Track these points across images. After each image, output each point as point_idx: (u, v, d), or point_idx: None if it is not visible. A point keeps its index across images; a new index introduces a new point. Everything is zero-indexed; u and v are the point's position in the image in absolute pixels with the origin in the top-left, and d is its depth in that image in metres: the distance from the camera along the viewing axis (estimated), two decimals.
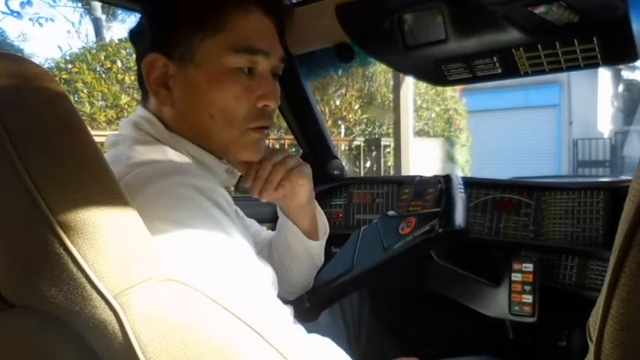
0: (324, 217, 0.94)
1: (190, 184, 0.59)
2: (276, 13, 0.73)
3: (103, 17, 9.11)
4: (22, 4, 8.31)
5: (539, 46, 0.97)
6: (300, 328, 0.63)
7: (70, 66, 4.38)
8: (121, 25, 9.57)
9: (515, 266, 1.02)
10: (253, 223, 0.97)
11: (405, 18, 1.03)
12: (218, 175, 0.73)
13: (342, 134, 5.67)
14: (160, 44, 0.69)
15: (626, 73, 12.29)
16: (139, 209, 0.48)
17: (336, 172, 1.55)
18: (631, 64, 8.59)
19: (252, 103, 0.71)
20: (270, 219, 1.48)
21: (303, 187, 0.84)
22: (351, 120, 5.70)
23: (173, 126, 0.70)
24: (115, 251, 0.44)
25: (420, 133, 6.30)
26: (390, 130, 5.49)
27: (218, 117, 0.69)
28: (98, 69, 4.37)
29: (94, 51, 4.53)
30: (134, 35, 0.75)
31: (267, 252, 0.94)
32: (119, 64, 4.23)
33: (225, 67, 0.68)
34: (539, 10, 0.86)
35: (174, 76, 0.69)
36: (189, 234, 0.56)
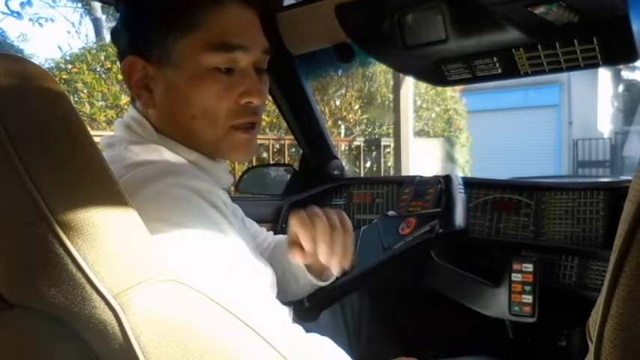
0: None
1: (187, 185, 0.59)
2: (256, 2, 0.71)
3: (103, 17, 9.12)
4: (22, 5, 8.33)
5: (539, 46, 0.97)
6: (299, 328, 0.63)
7: (69, 66, 4.39)
8: None
9: (515, 266, 1.02)
10: (253, 224, 0.96)
11: (405, 18, 1.03)
12: (215, 176, 0.72)
13: (342, 134, 5.68)
14: (136, 46, 0.68)
15: (626, 73, 12.29)
16: (137, 210, 0.48)
17: (336, 173, 1.55)
18: (631, 64, 8.59)
19: (234, 100, 0.68)
20: (270, 219, 1.48)
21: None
22: (351, 120, 5.70)
23: (160, 127, 0.69)
24: (115, 251, 0.44)
25: (420, 133, 6.30)
26: (390, 131, 5.49)
27: (200, 117, 0.67)
28: (98, 69, 4.38)
29: (94, 51, 4.54)
30: (114, 36, 0.74)
31: (267, 256, 0.92)
32: (119, 64, 4.22)
33: (202, 66, 0.66)
34: (539, 10, 0.86)
35: (154, 78, 0.68)
36: (186, 234, 0.56)
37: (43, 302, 0.44)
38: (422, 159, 5.54)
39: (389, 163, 5.45)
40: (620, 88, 12.47)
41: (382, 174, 5.32)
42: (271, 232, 0.98)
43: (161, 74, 0.67)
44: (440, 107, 6.53)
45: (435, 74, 1.12)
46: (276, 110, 1.53)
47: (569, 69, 1.00)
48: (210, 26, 0.66)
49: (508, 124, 12.04)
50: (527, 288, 1.01)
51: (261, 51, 0.71)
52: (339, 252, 0.75)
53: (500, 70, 1.05)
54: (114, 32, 0.73)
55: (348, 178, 1.57)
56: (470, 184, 1.26)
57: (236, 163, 3.86)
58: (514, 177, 1.87)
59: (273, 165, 3.47)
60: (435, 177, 1.19)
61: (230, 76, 0.68)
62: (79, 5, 10.03)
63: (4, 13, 9.46)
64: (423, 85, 6.01)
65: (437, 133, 6.55)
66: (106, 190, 0.45)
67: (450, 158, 6.61)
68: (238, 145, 0.71)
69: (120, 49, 0.72)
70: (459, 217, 1.00)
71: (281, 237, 0.96)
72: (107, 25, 9.12)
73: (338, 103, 5.61)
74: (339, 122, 5.69)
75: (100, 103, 4.25)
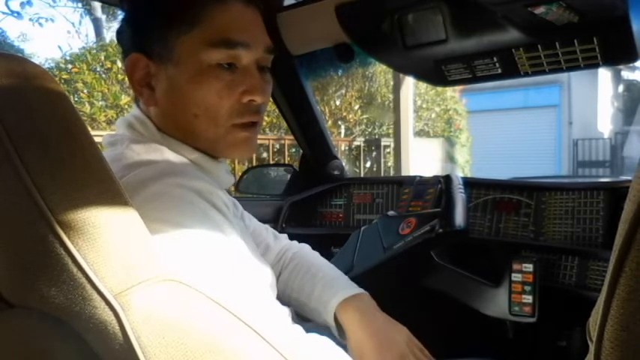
0: None
1: (188, 185, 0.59)
2: (258, 1, 0.71)
3: (103, 17, 9.11)
4: (22, 5, 8.34)
5: (539, 46, 0.97)
6: (299, 328, 0.63)
7: (70, 66, 4.39)
8: None
9: (515, 266, 1.02)
10: (252, 220, 0.95)
11: (405, 18, 1.03)
12: (216, 177, 0.72)
13: (342, 134, 5.67)
14: (139, 43, 0.68)
15: (626, 73, 12.30)
16: (137, 210, 0.47)
17: (336, 173, 1.55)
18: (631, 64, 8.59)
19: (237, 98, 0.68)
20: (270, 219, 1.48)
21: None
22: (351, 120, 5.70)
23: (161, 126, 0.69)
24: (115, 251, 0.44)
25: (420, 133, 6.30)
26: (390, 131, 5.49)
27: (202, 116, 0.67)
28: (98, 69, 4.38)
29: (94, 51, 4.54)
30: (119, 35, 0.74)
31: (275, 266, 0.92)
32: (119, 64, 4.23)
33: (204, 63, 0.66)
34: (539, 10, 0.86)
35: (156, 76, 0.68)
36: (187, 235, 0.56)
37: (43, 302, 0.44)
38: (422, 159, 5.54)
39: (389, 163, 5.45)
40: (620, 88, 12.47)
41: (382, 174, 5.32)
42: (271, 233, 0.98)
43: (163, 72, 0.67)
44: (440, 107, 6.53)
45: (435, 74, 1.12)
46: (276, 110, 1.53)
47: (569, 69, 1.00)
48: (212, 23, 0.66)
49: (508, 124, 12.04)
50: (527, 288, 1.01)
51: (264, 49, 0.71)
52: None
53: (500, 70, 1.05)
54: (119, 32, 0.74)
55: (348, 178, 1.57)
56: (470, 184, 1.26)
57: (236, 162, 3.87)
58: (514, 177, 1.87)
59: (273, 165, 3.47)
60: (435, 177, 1.19)
61: (232, 74, 0.68)
62: (79, 5, 10.03)
63: (4, 13, 9.49)
64: (423, 85, 6.00)
65: (437, 133, 6.55)
66: (106, 190, 0.45)
67: (450, 158, 6.61)
68: (238, 142, 0.71)
69: (124, 47, 0.72)
70: (459, 217, 1.01)
71: (290, 248, 0.95)
72: (107, 25, 9.13)
73: (338, 103, 5.61)
74: (339, 122, 5.68)
75: (100, 103, 4.24)
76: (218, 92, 0.67)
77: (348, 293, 0.80)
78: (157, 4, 0.68)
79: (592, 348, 0.35)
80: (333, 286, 0.82)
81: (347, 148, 5.43)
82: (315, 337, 0.65)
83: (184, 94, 0.67)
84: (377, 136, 5.80)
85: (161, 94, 0.68)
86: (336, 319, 0.79)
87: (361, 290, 0.82)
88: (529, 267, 1.01)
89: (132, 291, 0.43)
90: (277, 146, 4.67)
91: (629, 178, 1.53)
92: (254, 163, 3.68)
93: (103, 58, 4.36)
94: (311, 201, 1.53)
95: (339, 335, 0.79)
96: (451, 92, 6.57)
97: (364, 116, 5.82)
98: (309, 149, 1.53)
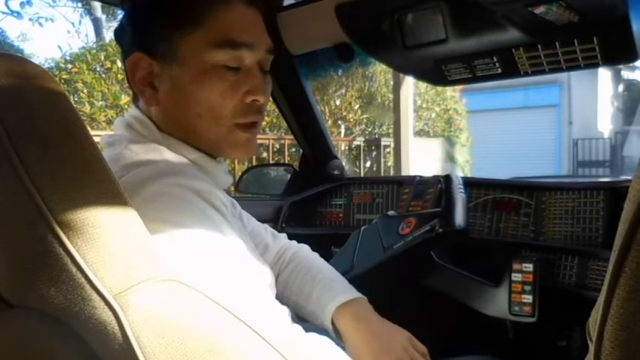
0: None
1: (187, 185, 0.59)
2: (259, 2, 0.71)
3: (103, 17, 9.11)
4: (22, 4, 8.33)
5: (539, 46, 0.97)
6: (298, 328, 0.63)
7: (69, 66, 4.39)
8: None
9: (515, 266, 1.02)
10: (251, 220, 0.95)
11: (405, 18, 1.03)
12: (215, 177, 0.72)
13: (342, 134, 5.67)
14: (142, 43, 0.68)
15: (626, 73, 12.30)
16: (137, 210, 0.47)
17: (336, 172, 1.55)
18: (631, 64, 8.59)
19: (240, 98, 0.69)
20: (270, 219, 1.48)
21: None
22: (351, 120, 5.70)
23: (162, 125, 0.69)
24: (115, 251, 0.44)
25: (420, 133, 6.30)
26: (390, 130, 5.49)
27: (205, 115, 0.68)
28: (98, 69, 4.38)
29: (94, 51, 4.54)
30: (118, 34, 0.74)
31: (274, 266, 0.92)
32: (119, 64, 4.23)
33: (208, 63, 0.66)
34: (539, 10, 0.86)
35: (158, 75, 0.68)
36: (186, 235, 0.56)
37: (42, 302, 0.44)
38: (422, 159, 5.54)
39: (389, 163, 5.45)
40: (620, 88, 12.47)
41: (382, 174, 5.32)
42: (270, 233, 0.98)
43: (166, 72, 0.68)
44: (440, 107, 6.53)
45: (435, 74, 1.12)
46: (276, 110, 1.53)
47: (569, 69, 1.00)
48: (216, 24, 0.66)
49: (508, 124, 12.04)
50: (527, 288, 1.01)
51: (266, 50, 0.71)
52: None
53: (500, 70, 1.05)
54: (118, 31, 0.73)
55: (348, 178, 1.57)
56: (470, 184, 1.26)
57: (236, 162, 3.86)
58: (514, 177, 1.87)
59: (273, 165, 3.47)
60: (435, 177, 1.19)
61: (236, 75, 0.68)
62: (79, 5, 10.03)
63: (4, 12, 9.48)
64: (423, 85, 6.00)
65: (437, 133, 6.55)
66: (106, 190, 0.45)
67: (450, 158, 6.62)
68: (240, 142, 0.71)
69: (123, 47, 0.72)
70: (459, 217, 1.01)
71: (290, 250, 0.95)
72: (107, 25, 9.12)
73: (338, 103, 5.61)
74: (339, 122, 5.69)
75: (100, 102, 4.25)
76: (222, 92, 0.67)
77: (345, 297, 0.79)
78: (161, 5, 0.68)
79: (592, 348, 0.35)
80: (332, 289, 0.82)
81: (347, 147, 5.43)
82: (314, 337, 0.65)
83: (188, 94, 0.67)
84: (377, 136, 5.80)
85: (164, 94, 0.68)
86: (333, 323, 0.79)
87: (359, 294, 0.81)
88: (529, 267, 1.01)
89: (131, 291, 0.43)
90: (277, 146, 4.67)
91: (629, 178, 1.53)
92: (254, 163, 3.68)
93: (102, 58, 4.36)
94: (311, 201, 1.53)
95: (336, 338, 0.79)
96: (451, 92, 6.57)
97: (364, 116, 5.82)
98: (309, 149, 1.53)
